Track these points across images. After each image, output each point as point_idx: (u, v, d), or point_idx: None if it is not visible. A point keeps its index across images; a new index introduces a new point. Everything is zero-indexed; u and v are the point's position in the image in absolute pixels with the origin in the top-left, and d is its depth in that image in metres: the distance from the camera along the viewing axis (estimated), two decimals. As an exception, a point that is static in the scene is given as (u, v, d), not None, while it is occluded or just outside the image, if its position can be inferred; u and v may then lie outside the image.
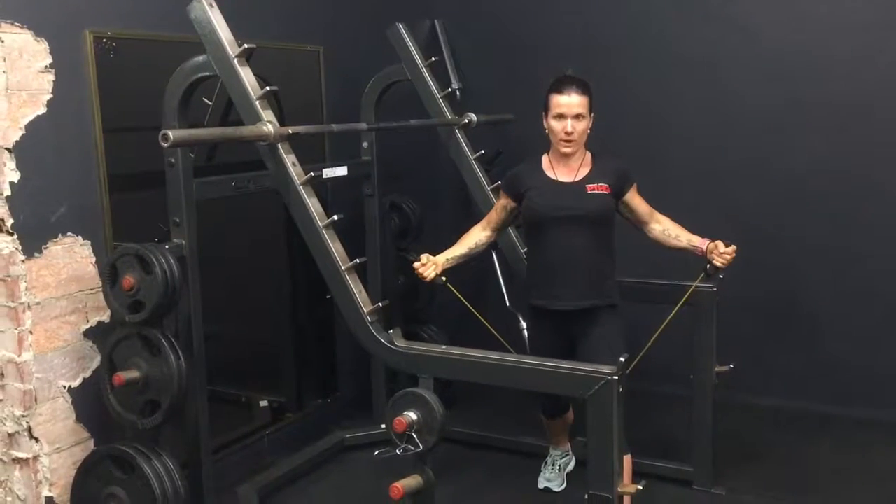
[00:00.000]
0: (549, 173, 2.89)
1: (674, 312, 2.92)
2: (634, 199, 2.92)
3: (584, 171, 2.88)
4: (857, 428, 3.74)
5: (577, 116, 2.79)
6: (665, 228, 2.95)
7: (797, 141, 3.84)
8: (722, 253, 2.84)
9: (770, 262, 3.92)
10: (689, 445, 3.25)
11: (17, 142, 2.60)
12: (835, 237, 3.83)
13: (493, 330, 3.00)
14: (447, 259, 2.95)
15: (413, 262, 2.93)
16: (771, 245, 3.91)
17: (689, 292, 2.99)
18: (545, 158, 2.93)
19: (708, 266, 2.89)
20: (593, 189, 2.84)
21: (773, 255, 3.92)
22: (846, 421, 3.79)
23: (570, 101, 2.78)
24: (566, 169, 2.89)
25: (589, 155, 2.91)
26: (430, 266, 2.88)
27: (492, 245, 3.61)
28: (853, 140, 3.75)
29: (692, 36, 3.98)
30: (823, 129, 3.79)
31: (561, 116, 2.79)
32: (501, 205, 3.03)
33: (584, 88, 2.81)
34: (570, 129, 2.78)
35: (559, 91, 2.80)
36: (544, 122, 2.87)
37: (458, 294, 2.93)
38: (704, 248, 2.88)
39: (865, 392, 3.84)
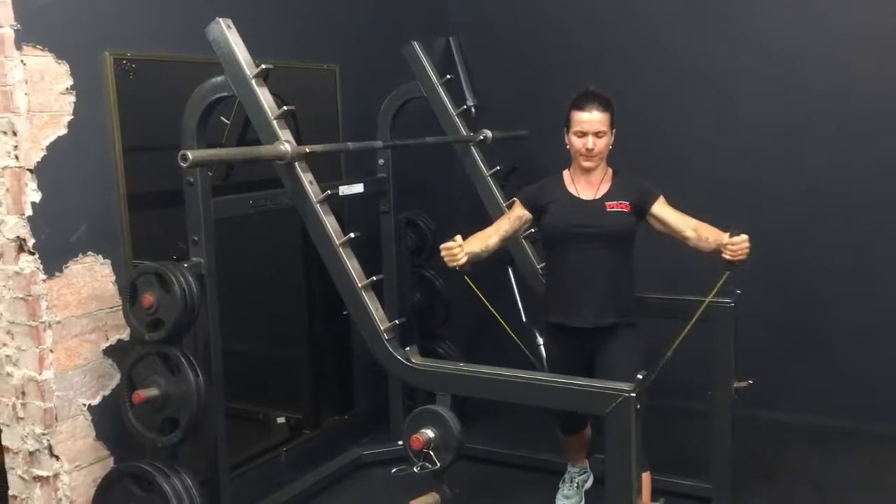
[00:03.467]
0: (571, 189, 2.90)
1: (687, 329, 2.88)
2: (664, 211, 2.86)
3: (605, 188, 2.88)
4: (879, 444, 3.70)
5: (598, 133, 2.79)
6: (699, 235, 2.83)
7: (811, 158, 3.83)
8: (726, 245, 2.70)
9: (789, 277, 3.90)
10: (707, 462, 3.22)
11: (38, 163, 2.63)
12: (854, 252, 3.81)
13: (510, 332, 2.94)
14: (470, 252, 2.82)
15: (445, 245, 2.78)
16: (789, 260, 3.89)
17: (702, 307, 2.91)
18: (566, 174, 2.94)
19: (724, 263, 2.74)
20: (613, 207, 2.83)
21: (791, 270, 3.90)
22: (868, 437, 3.76)
23: (591, 118, 2.78)
24: (587, 185, 2.89)
25: (611, 171, 2.91)
26: (463, 251, 2.76)
27: (508, 260, 3.62)
28: (870, 155, 3.74)
29: (705, 54, 3.99)
30: (839, 145, 3.78)
31: (582, 133, 2.80)
32: (516, 216, 2.99)
33: (605, 105, 2.81)
34: (590, 145, 2.79)
35: (580, 108, 2.81)
36: (566, 137, 2.88)
37: (476, 290, 2.84)
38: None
39: (887, 407, 3.80)
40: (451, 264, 2.80)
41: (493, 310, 2.92)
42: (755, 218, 3.91)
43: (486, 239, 2.96)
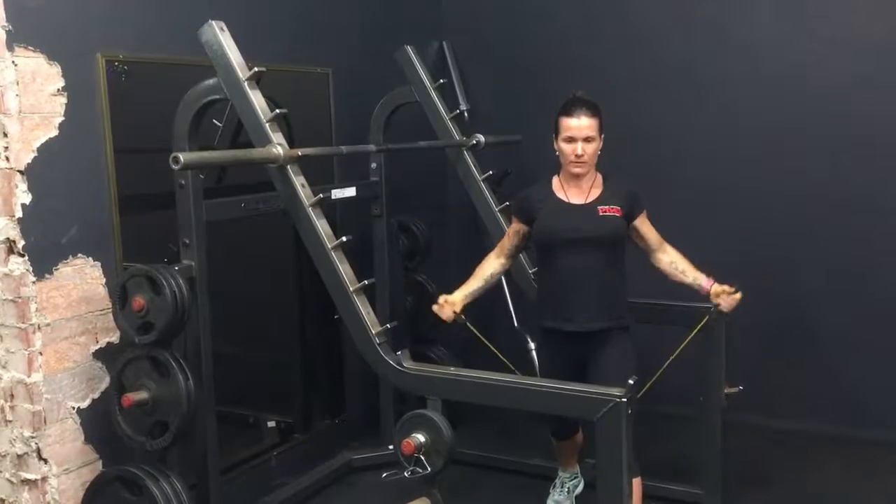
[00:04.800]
0: (560, 195, 2.90)
1: (684, 344, 2.91)
2: (644, 225, 2.93)
3: (596, 193, 2.88)
4: (869, 449, 3.72)
5: (587, 139, 2.80)
6: (673, 261, 2.94)
7: (803, 163, 3.84)
8: (731, 296, 2.85)
9: (780, 284, 3.91)
10: (698, 467, 3.23)
11: (29, 164, 2.62)
12: (843, 257, 3.82)
13: (505, 360, 2.99)
14: (464, 296, 2.95)
15: (432, 306, 2.94)
16: (779, 266, 3.90)
17: (700, 325, 2.96)
18: (556, 180, 2.94)
19: (712, 308, 2.90)
20: (605, 211, 2.84)
21: (782, 276, 3.91)
22: (858, 442, 3.77)
23: (579, 124, 2.79)
24: (577, 190, 2.89)
25: (600, 176, 2.92)
26: (447, 307, 2.89)
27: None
28: (858, 161, 3.75)
29: (697, 60, 4.00)
30: (834, 152, 3.79)
31: (571, 139, 2.81)
32: (514, 230, 3.03)
33: (593, 111, 2.82)
34: (580, 151, 2.79)
35: (568, 114, 2.81)
36: (554, 144, 2.88)
37: (476, 332, 2.92)
38: (709, 289, 2.89)
39: (878, 413, 3.81)
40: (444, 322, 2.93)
41: (490, 345, 2.98)
42: (748, 223, 3.95)
43: (488, 268, 3.05)
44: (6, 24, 2.54)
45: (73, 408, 2.80)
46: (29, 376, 2.67)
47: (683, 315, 3.04)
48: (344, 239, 2.62)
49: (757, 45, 3.89)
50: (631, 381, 2.22)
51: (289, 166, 2.61)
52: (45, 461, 2.72)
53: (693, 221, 3.96)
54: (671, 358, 2.86)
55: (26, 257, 2.63)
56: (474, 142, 3.66)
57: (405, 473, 2.40)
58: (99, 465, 2.87)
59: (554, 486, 3.31)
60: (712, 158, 4.01)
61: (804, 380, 3.94)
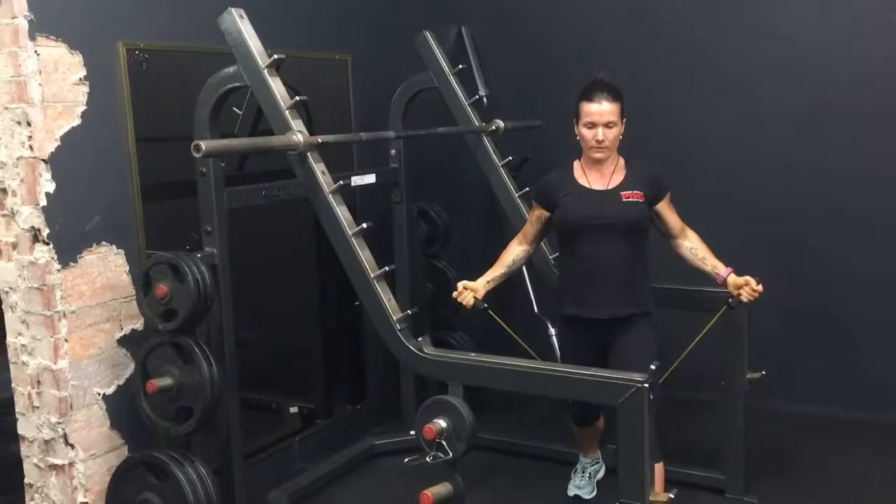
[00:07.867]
0: (582, 181, 2.88)
1: (705, 330, 2.89)
2: (667, 209, 2.89)
3: (619, 178, 2.86)
4: (892, 434, 3.69)
5: (608, 124, 2.77)
6: (693, 247, 2.90)
7: (830, 147, 3.80)
8: (754, 290, 2.81)
9: (803, 267, 3.88)
10: (720, 453, 3.22)
11: (52, 153, 2.64)
12: (869, 242, 3.78)
13: (527, 347, 2.98)
14: (487, 282, 2.94)
15: (453, 295, 2.91)
16: (803, 250, 3.87)
17: (720, 313, 2.93)
18: (577, 165, 2.92)
19: (730, 299, 2.88)
20: (628, 196, 2.81)
21: (805, 260, 3.88)
22: (881, 427, 3.74)
23: (601, 109, 2.76)
24: (599, 175, 2.87)
25: (622, 160, 2.89)
26: (467, 294, 2.87)
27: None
28: (887, 145, 3.70)
29: (722, 41, 3.96)
30: (856, 135, 3.74)
31: (592, 125, 2.78)
32: (536, 216, 3.00)
33: (615, 95, 2.79)
34: (601, 137, 2.77)
35: (589, 99, 2.78)
36: (575, 129, 2.86)
37: (497, 318, 2.92)
38: (725, 277, 2.86)
39: (901, 398, 3.78)
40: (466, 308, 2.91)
41: (515, 335, 2.97)
42: (772, 207, 3.91)
43: (511, 255, 3.03)
44: (28, 14, 2.56)
45: (99, 394, 2.83)
46: (55, 363, 2.71)
47: (706, 300, 3.02)
48: (364, 225, 2.62)
49: (780, 24, 3.83)
50: (653, 367, 2.21)
51: (309, 153, 2.61)
52: (72, 446, 2.76)
53: (716, 204, 3.93)
54: (692, 345, 2.85)
55: (51, 245, 2.66)
56: (493, 127, 3.65)
57: (427, 459, 2.41)
58: (125, 451, 2.90)
59: (575, 472, 3.31)
60: (735, 140, 3.97)
61: (827, 364, 3.91)
